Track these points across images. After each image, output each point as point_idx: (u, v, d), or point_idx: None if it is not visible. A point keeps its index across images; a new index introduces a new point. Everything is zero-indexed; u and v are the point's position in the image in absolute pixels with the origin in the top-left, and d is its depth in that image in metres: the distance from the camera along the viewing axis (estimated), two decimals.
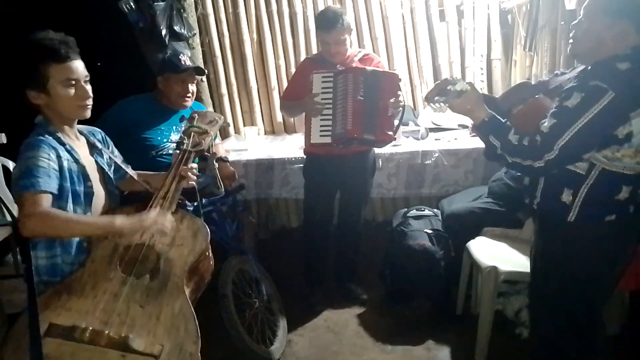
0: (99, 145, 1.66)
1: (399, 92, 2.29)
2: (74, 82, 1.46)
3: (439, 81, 1.68)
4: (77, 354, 1.27)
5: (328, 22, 2.30)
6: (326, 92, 2.31)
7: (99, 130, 1.72)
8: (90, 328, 1.30)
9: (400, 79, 2.33)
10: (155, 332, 1.33)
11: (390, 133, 2.30)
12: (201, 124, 1.83)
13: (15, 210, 1.50)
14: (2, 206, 2.89)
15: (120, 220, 1.43)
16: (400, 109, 2.31)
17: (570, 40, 1.49)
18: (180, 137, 1.79)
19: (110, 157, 1.69)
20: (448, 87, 1.58)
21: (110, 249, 1.48)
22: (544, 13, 2.80)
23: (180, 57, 2.37)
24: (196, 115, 1.88)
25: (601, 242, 1.46)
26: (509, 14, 3.33)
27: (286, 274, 2.88)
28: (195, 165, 1.73)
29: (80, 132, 1.61)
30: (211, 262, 1.61)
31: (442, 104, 1.62)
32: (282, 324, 2.40)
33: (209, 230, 1.60)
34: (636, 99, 1.31)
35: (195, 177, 1.70)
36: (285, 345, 2.36)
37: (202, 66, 3.42)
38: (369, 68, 2.31)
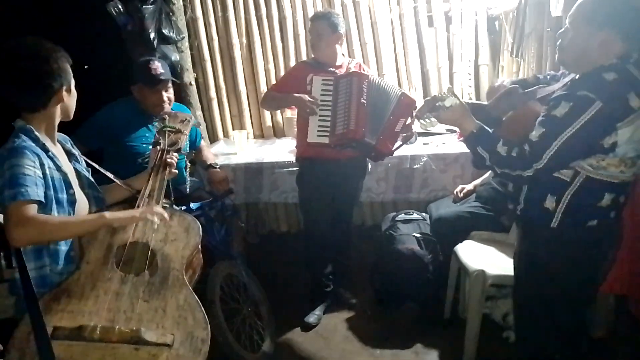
0: (75, 152, 1.64)
1: (411, 117, 2.30)
2: None
3: (428, 98, 1.72)
4: (89, 353, 1.26)
5: (317, 13, 2.53)
6: (325, 94, 2.33)
7: (67, 137, 1.69)
8: (100, 325, 1.30)
9: (416, 108, 2.28)
10: (163, 324, 1.33)
11: (390, 147, 2.31)
12: (174, 124, 1.85)
13: None
14: None
15: (109, 214, 1.45)
16: (410, 132, 2.35)
17: (557, 49, 1.51)
18: (155, 136, 1.80)
19: (86, 162, 1.68)
20: (437, 104, 1.61)
21: (104, 249, 1.47)
22: (531, 20, 2.83)
23: (150, 65, 2.24)
24: (166, 116, 1.89)
25: (583, 247, 1.48)
26: (496, 21, 3.37)
27: (275, 278, 2.87)
28: (176, 155, 1.75)
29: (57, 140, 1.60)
30: (200, 256, 1.62)
31: (431, 119, 1.65)
32: (271, 328, 2.39)
33: (199, 225, 1.60)
34: (623, 109, 1.33)
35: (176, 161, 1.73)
36: (273, 350, 2.35)
37: (191, 69, 3.43)
38: (373, 77, 2.35)
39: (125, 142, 2.27)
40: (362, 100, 2.24)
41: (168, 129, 1.81)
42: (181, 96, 3.25)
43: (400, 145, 2.37)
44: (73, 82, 1.51)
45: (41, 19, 3.91)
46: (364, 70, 2.54)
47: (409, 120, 2.32)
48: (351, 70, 2.43)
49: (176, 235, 1.54)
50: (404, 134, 2.34)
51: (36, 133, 1.45)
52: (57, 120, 1.52)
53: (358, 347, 2.42)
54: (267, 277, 2.62)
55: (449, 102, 1.58)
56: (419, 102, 3.43)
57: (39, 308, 1.27)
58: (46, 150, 1.46)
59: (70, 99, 1.51)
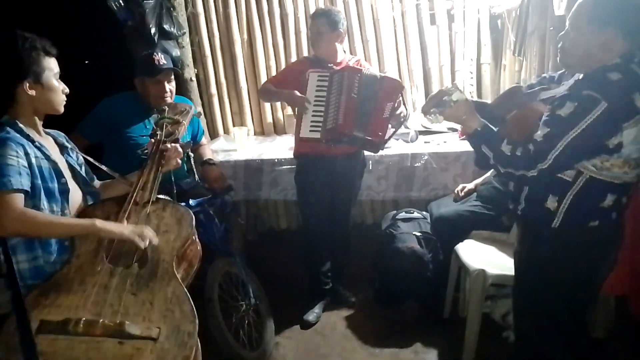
0: (68, 145, 1.63)
1: (399, 100, 2.28)
2: (59, 76, 1.50)
3: (434, 93, 1.68)
4: (73, 347, 1.25)
5: (318, 11, 2.50)
6: (320, 90, 2.32)
7: (62, 133, 1.68)
8: (84, 319, 1.28)
9: (403, 87, 2.32)
10: (150, 317, 1.32)
11: (381, 134, 2.26)
12: (172, 115, 1.84)
13: None
14: None
15: (100, 223, 1.44)
16: (401, 116, 2.31)
17: (559, 52, 1.49)
18: (153, 128, 1.78)
19: (80, 157, 1.66)
20: (444, 98, 1.59)
21: (95, 243, 1.46)
22: (533, 19, 2.82)
23: (154, 56, 2.30)
24: (166, 107, 1.88)
25: (584, 248, 1.47)
26: (498, 19, 3.35)
27: (274, 275, 2.87)
28: (174, 144, 1.73)
29: (47, 133, 1.59)
30: (198, 248, 1.60)
31: (437, 114, 1.62)
32: (270, 326, 2.39)
33: (193, 215, 1.58)
34: (628, 110, 1.32)
35: (180, 153, 1.70)
36: (272, 348, 2.34)
37: (192, 65, 3.41)
38: (366, 70, 2.33)
39: (125, 133, 2.28)
40: (353, 95, 2.22)
41: (166, 120, 1.80)
42: (181, 92, 3.24)
43: (394, 132, 2.32)
44: (50, 74, 1.47)
45: (41, 14, 3.89)
46: (363, 67, 2.52)
47: (398, 104, 2.25)
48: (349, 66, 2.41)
49: (168, 226, 1.52)
50: (395, 115, 2.27)
51: (20, 125, 1.45)
52: (33, 113, 1.50)
53: (357, 345, 2.41)
54: (266, 275, 2.61)
55: (456, 96, 1.56)
56: (420, 100, 3.43)
57: (23, 302, 1.27)
58: (32, 141, 1.45)
59: (44, 93, 1.47)
